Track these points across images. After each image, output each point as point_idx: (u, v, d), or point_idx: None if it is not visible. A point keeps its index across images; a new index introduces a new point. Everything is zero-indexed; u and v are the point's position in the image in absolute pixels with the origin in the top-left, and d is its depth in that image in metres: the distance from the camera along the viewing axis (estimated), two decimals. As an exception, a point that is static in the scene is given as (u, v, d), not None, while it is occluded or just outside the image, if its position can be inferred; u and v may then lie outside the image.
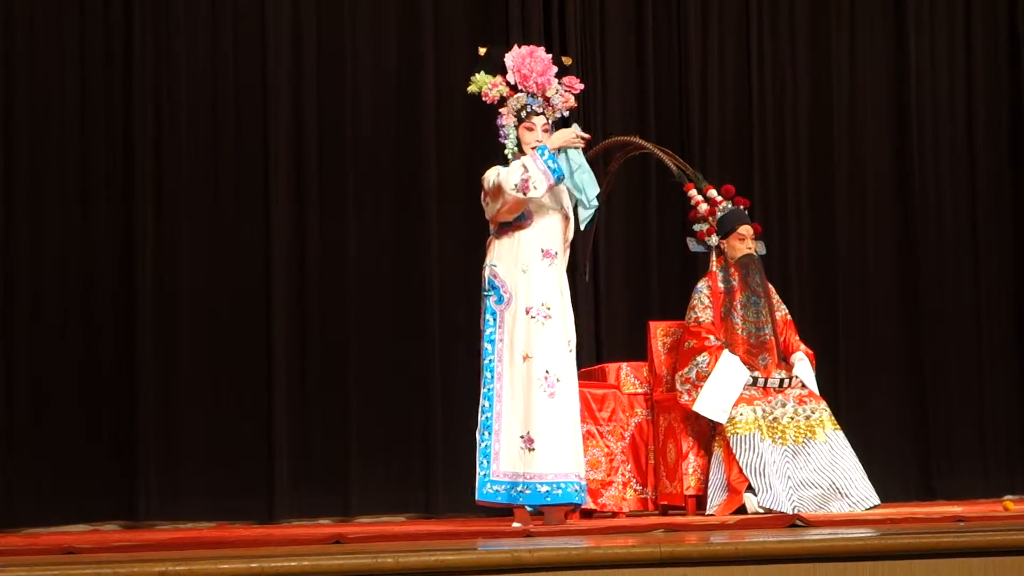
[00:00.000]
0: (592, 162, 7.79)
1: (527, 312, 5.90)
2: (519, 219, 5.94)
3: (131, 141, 7.66)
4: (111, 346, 7.56)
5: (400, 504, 7.86)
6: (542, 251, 5.95)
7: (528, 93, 6.04)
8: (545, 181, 5.84)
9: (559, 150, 5.91)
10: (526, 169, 5.82)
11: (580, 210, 6.00)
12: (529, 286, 5.91)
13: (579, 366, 6.83)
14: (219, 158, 7.86)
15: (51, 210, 7.55)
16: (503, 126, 6.03)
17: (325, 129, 8.03)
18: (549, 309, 5.91)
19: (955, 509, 6.67)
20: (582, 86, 6.18)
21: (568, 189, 5.95)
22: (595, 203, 5.97)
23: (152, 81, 7.73)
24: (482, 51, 6.16)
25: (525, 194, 5.81)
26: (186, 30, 7.84)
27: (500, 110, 6.05)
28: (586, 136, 6.02)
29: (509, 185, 5.82)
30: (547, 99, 6.07)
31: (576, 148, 5.95)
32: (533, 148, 5.96)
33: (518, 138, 6.02)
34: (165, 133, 7.75)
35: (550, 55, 6.12)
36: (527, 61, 6.03)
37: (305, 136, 7.99)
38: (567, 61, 6.28)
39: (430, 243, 8.04)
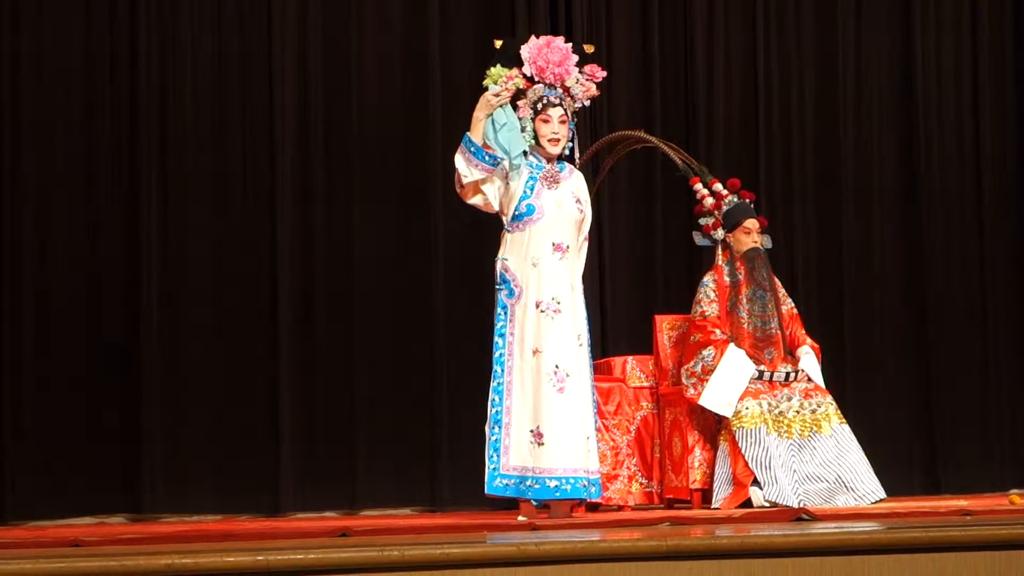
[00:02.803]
0: (596, 155, 7.84)
1: (537, 306, 5.89)
2: (529, 213, 5.94)
3: (136, 136, 7.65)
4: (117, 338, 7.56)
5: (406, 497, 7.86)
6: (553, 244, 5.94)
7: (546, 84, 6.01)
8: (470, 166, 5.86)
9: (488, 119, 5.87)
10: (455, 164, 5.89)
11: (506, 166, 5.92)
12: (539, 280, 5.90)
13: (592, 361, 6.84)
14: (224, 156, 7.86)
15: (57, 205, 7.55)
16: (520, 118, 6.00)
17: (331, 123, 8.02)
18: (559, 303, 5.90)
19: (961, 503, 6.67)
20: (604, 74, 6.11)
21: (494, 149, 5.87)
22: (518, 162, 5.92)
23: (158, 77, 7.72)
24: (498, 43, 6.12)
25: (464, 184, 5.91)
26: (191, 24, 7.84)
27: (518, 103, 6.01)
28: (501, 92, 5.88)
29: (456, 187, 5.96)
30: (567, 89, 6.04)
31: (502, 107, 5.89)
32: (549, 140, 5.96)
33: (535, 131, 6.00)
34: (170, 129, 7.74)
35: (570, 44, 6.07)
36: (543, 52, 5.98)
37: (311, 131, 7.98)
38: (589, 49, 6.20)
39: (436, 237, 8.04)
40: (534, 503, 5.90)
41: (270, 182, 7.85)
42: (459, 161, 5.88)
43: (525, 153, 6.00)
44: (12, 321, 7.42)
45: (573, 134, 6.09)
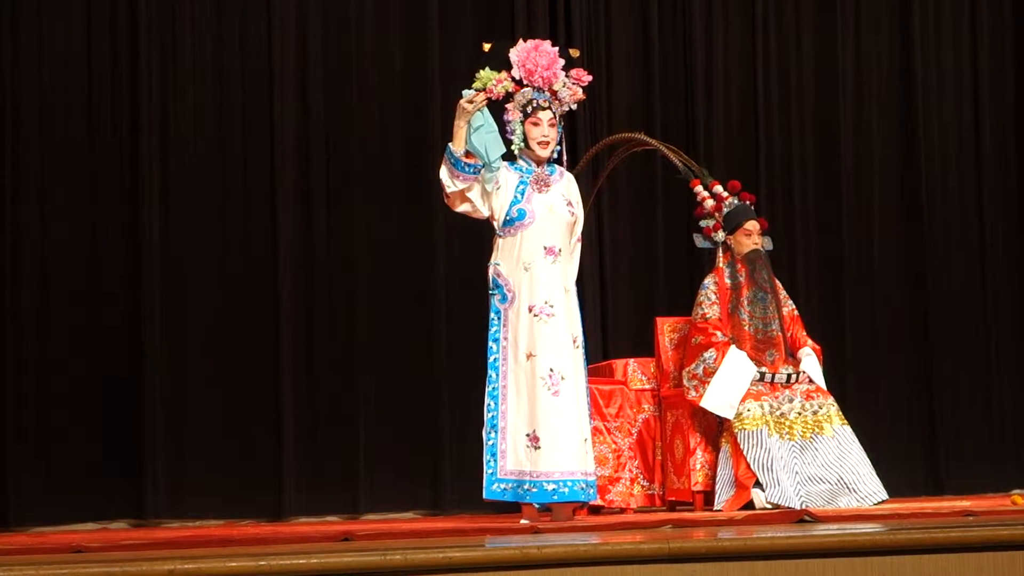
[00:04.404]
0: (596, 158, 7.83)
1: (530, 310, 5.89)
2: (520, 218, 5.94)
3: (137, 139, 7.66)
4: (119, 344, 7.56)
5: (408, 501, 7.86)
6: (544, 248, 5.94)
7: (534, 88, 6.02)
8: (452, 178, 5.89)
9: (468, 126, 5.87)
10: (439, 176, 5.92)
11: (485, 171, 5.91)
12: (532, 284, 5.90)
13: (587, 362, 6.82)
14: (225, 158, 7.86)
15: (58, 208, 7.55)
16: (509, 122, 6.01)
17: (331, 124, 8.03)
18: (552, 307, 5.90)
19: (963, 504, 6.67)
20: (590, 78, 6.13)
21: (474, 156, 5.88)
22: (497, 166, 5.92)
23: (158, 77, 7.73)
24: (486, 47, 6.13)
25: (449, 194, 5.94)
26: (191, 24, 7.84)
27: (507, 105, 6.02)
28: (471, 99, 5.86)
29: (443, 196, 5.98)
30: (554, 93, 6.05)
31: (480, 111, 5.88)
32: (539, 143, 5.98)
33: (524, 133, 6.01)
34: (171, 130, 7.75)
35: (556, 48, 6.08)
36: (532, 55, 5.99)
37: (311, 132, 7.99)
38: (574, 53, 6.22)
39: (438, 239, 8.04)
40: (536, 506, 5.90)
41: (271, 183, 7.86)
42: (443, 172, 5.92)
43: (513, 157, 6.01)
44: (13, 324, 7.42)
45: (561, 137, 6.10)
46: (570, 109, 6.13)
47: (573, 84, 6.07)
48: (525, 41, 6.08)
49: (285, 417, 7.70)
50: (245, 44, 7.94)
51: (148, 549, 4.66)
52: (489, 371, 5.92)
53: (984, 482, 8.72)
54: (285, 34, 7.95)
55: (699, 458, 6.96)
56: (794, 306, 7.23)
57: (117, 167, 7.66)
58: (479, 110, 5.87)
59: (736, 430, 6.70)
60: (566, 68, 6.06)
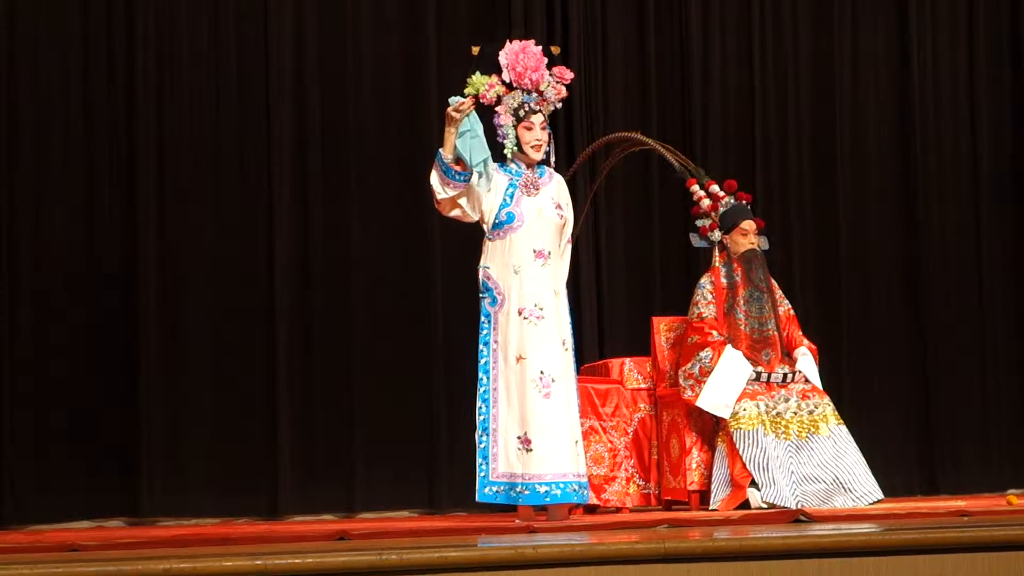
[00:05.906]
0: (592, 158, 7.83)
1: (520, 313, 5.90)
2: (509, 221, 5.95)
3: (133, 137, 7.66)
4: (115, 342, 7.56)
5: (404, 500, 7.86)
6: (534, 251, 5.94)
7: (523, 90, 6.02)
8: (443, 185, 5.91)
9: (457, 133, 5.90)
10: (429, 182, 5.93)
11: (475, 174, 5.92)
12: (521, 287, 5.91)
13: (582, 362, 6.81)
14: (221, 157, 7.86)
15: (54, 207, 7.55)
16: (501, 125, 6.01)
17: (328, 125, 8.02)
18: (542, 309, 5.90)
19: (958, 504, 6.67)
20: (572, 75, 6.15)
21: (458, 154, 5.91)
22: (479, 169, 5.92)
23: (155, 77, 7.73)
24: (475, 50, 6.14)
25: (439, 199, 5.95)
26: (188, 25, 7.84)
27: (497, 108, 6.02)
28: (459, 106, 5.88)
29: (434, 202, 5.99)
30: (541, 93, 6.06)
31: (466, 116, 5.90)
32: (533, 146, 5.98)
33: (517, 137, 6.01)
34: (167, 130, 7.75)
35: (540, 47, 6.10)
36: (520, 58, 6.00)
37: (308, 133, 7.98)
38: (555, 51, 6.25)
39: (434, 239, 8.04)
40: (532, 505, 5.90)
41: (268, 183, 7.85)
42: (433, 179, 5.93)
43: (504, 159, 6.02)
44: (11, 323, 7.42)
45: (550, 137, 6.11)
46: (556, 108, 6.14)
47: (557, 83, 6.08)
48: (511, 42, 6.08)
49: (281, 416, 7.70)
50: (242, 43, 7.93)
51: (144, 548, 4.66)
52: (480, 374, 5.94)
53: (979, 482, 8.72)
54: (282, 31, 7.95)
55: (695, 458, 6.96)
56: (790, 306, 7.23)
57: (115, 167, 7.66)
58: (466, 115, 5.89)
59: (732, 430, 6.71)
60: (548, 66, 6.08)
